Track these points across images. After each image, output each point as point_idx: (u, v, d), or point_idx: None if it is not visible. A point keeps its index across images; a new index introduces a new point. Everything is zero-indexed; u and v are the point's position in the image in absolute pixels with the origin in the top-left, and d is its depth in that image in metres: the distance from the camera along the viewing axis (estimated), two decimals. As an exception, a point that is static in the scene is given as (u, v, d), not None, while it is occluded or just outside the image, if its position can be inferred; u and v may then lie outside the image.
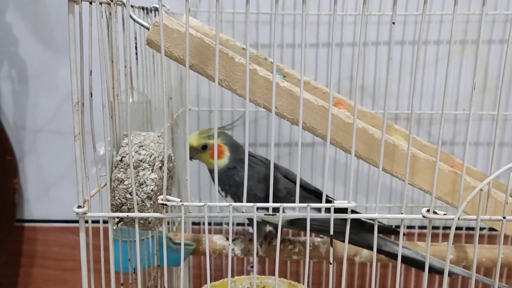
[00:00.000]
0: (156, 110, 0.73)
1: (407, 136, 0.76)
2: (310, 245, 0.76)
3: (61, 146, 1.04)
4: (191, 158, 0.71)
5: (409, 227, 1.05)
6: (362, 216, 0.47)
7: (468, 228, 1.03)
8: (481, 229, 1.03)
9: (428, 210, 0.45)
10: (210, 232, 1.02)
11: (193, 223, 1.04)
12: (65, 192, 1.05)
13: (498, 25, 0.96)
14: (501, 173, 0.42)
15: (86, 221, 0.48)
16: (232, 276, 0.65)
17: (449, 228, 1.02)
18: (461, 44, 0.96)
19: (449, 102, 0.99)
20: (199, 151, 0.72)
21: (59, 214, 1.07)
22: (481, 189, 0.43)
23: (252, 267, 0.90)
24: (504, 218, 0.43)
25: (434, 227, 1.03)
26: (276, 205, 0.44)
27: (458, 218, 0.44)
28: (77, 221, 0.47)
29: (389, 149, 0.57)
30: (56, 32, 0.99)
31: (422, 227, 1.05)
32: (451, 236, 0.44)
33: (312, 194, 0.70)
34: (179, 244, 0.71)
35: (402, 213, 0.45)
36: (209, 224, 1.05)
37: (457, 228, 1.03)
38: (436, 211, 0.44)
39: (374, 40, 0.97)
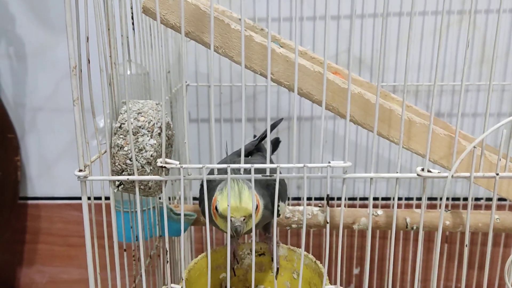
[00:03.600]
0: (154, 82, 0.73)
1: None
2: (308, 214, 0.77)
3: (61, 124, 1.04)
4: (239, 233, 0.51)
5: (407, 198, 1.06)
6: (359, 176, 0.47)
7: (465, 199, 1.04)
8: (478, 199, 1.04)
9: (422, 169, 0.46)
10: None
11: (194, 198, 1.05)
12: (67, 169, 1.06)
13: (495, -6, 0.96)
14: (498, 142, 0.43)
15: (89, 198, 0.49)
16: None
17: (455, 199, 1.03)
18: (458, 14, 0.96)
19: (447, 73, 0.99)
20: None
21: (61, 191, 1.08)
22: (474, 147, 0.43)
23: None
24: (497, 174, 0.44)
25: (431, 198, 1.04)
26: (273, 166, 0.45)
27: (452, 176, 0.44)
28: (80, 198, 0.48)
29: (385, 114, 0.58)
30: (52, 9, 0.99)
31: (419, 199, 1.06)
32: (445, 193, 0.44)
33: None
34: (180, 215, 0.72)
35: (397, 172, 0.46)
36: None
37: (456, 199, 1.04)
38: (430, 169, 0.45)
39: (372, 12, 0.97)
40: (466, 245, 0.45)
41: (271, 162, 0.53)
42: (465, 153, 0.43)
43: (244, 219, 0.50)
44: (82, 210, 0.49)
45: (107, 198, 0.52)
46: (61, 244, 1.10)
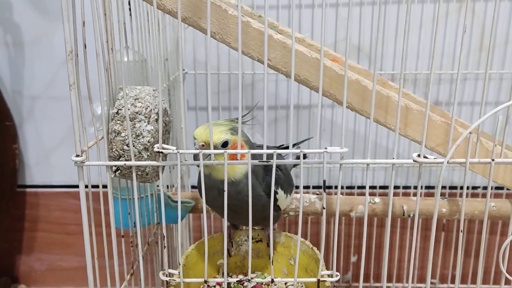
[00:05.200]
0: (152, 69, 0.73)
1: (403, 94, 0.77)
2: (306, 202, 0.77)
3: (59, 112, 1.04)
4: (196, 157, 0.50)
5: (405, 187, 1.06)
6: (355, 161, 0.48)
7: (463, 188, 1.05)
8: (475, 187, 1.05)
9: (418, 155, 0.46)
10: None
11: (193, 187, 1.05)
12: (65, 158, 1.06)
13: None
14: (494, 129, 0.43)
15: (86, 187, 0.49)
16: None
17: (452, 188, 1.03)
18: (458, 2, 0.95)
19: (446, 62, 0.99)
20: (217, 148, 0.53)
21: (60, 179, 1.08)
22: (470, 133, 0.43)
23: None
24: (493, 160, 0.44)
25: (429, 187, 1.04)
26: (270, 151, 0.45)
27: (448, 162, 0.45)
28: (78, 186, 0.48)
29: (382, 100, 0.58)
30: (49, -4, 0.98)
31: (417, 188, 1.06)
32: (441, 179, 0.45)
33: None
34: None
35: (393, 158, 0.46)
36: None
37: (453, 188, 1.05)
38: (426, 155, 0.45)
39: (370, 0, 0.96)
40: (461, 231, 0.46)
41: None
42: (461, 138, 0.43)
43: (203, 146, 0.52)
44: (80, 198, 0.50)
45: (104, 186, 0.52)
46: (59, 232, 1.10)
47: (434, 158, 0.45)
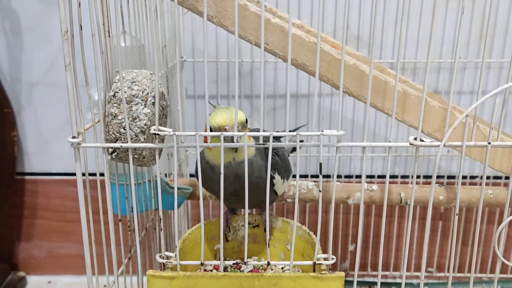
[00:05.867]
0: (150, 55, 0.73)
1: (401, 81, 0.77)
2: (303, 189, 0.77)
3: (57, 100, 1.04)
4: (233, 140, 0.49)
5: (403, 176, 1.06)
6: (351, 144, 0.48)
7: (463, 177, 1.05)
8: (473, 177, 1.05)
9: (415, 138, 0.46)
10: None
11: (191, 175, 1.05)
12: (63, 146, 1.06)
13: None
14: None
15: (84, 174, 0.49)
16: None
17: (450, 177, 1.04)
18: (458, -10, 0.95)
19: (446, 50, 0.99)
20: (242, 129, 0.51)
21: (58, 167, 1.08)
22: (467, 115, 0.43)
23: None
24: (489, 143, 0.44)
25: (427, 176, 1.05)
26: (266, 133, 0.45)
27: (444, 145, 0.45)
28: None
29: (380, 85, 0.58)
30: (47, -18, 0.98)
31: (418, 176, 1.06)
32: (437, 162, 0.45)
33: None
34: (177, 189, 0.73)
35: (390, 141, 0.46)
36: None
37: (452, 177, 1.05)
38: (423, 138, 0.45)
39: (370, -13, 0.96)
40: (456, 214, 0.46)
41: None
42: (458, 121, 0.43)
43: (238, 127, 0.49)
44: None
45: (101, 175, 0.52)
46: (58, 219, 1.11)
47: (431, 142, 0.45)
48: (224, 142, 0.46)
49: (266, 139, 0.46)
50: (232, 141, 0.48)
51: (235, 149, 0.51)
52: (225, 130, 0.49)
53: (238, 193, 0.54)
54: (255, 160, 0.55)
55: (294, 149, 0.80)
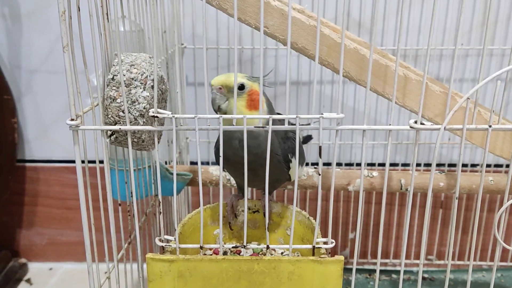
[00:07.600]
0: (149, 40, 0.72)
1: (403, 66, 0.76)
2: (304, 175, 0.77)
3: (57, 86, 1.04)
4: (217, 108, 0.53)
5: (404, 164, 1.06)
6: (350, 127, 0.47)
7: (464, 165, 1.05)
8: (474, 165, 1.05)
9: (415, 121, 0.46)
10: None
11: (191, 162, 1.05)
12: (63, 133, 1.06)
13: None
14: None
15: (83, 162, 0.49)
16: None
17: (451, 165, 1.03)
18: (461, -24, 0.94)
19: (448, 37, 0.98)
20: (230, 95, 0.52)
21: (59, 154, 1.08)
22: (468, 98, 0.43)
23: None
24: (490, 126, 0.44)
25: (427, 164, 1.04)
26: (266, 116, 0.45)
27: (444, 128, 0.44)
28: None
29: (381, 69, 0.57)
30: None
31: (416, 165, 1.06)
32: (437, 145, 0.44)
33: None
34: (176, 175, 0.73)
35: (390, 124, 0.46)
36: (207, 163, 1.06)
37: (453, 165, 1.04)
38: (423, 122, 0.45)
39: (372, -27, 0.95)
40: (456, 198, 0.46)
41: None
42: (459, 104, 0.43)
43: (220, 89, 0.53)
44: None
45: (101, 162, 0.52)
46: (59, 206, 1.11)
47: (431, 125, 0.45)
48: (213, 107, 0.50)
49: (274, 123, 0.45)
50: (215, 106, 0.52)
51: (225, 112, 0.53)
52: (219, 89, 0.53)
53: (253, 167, 0.51)
54: (265, 134, 0.52)
55: (304, 141, 0.81)
